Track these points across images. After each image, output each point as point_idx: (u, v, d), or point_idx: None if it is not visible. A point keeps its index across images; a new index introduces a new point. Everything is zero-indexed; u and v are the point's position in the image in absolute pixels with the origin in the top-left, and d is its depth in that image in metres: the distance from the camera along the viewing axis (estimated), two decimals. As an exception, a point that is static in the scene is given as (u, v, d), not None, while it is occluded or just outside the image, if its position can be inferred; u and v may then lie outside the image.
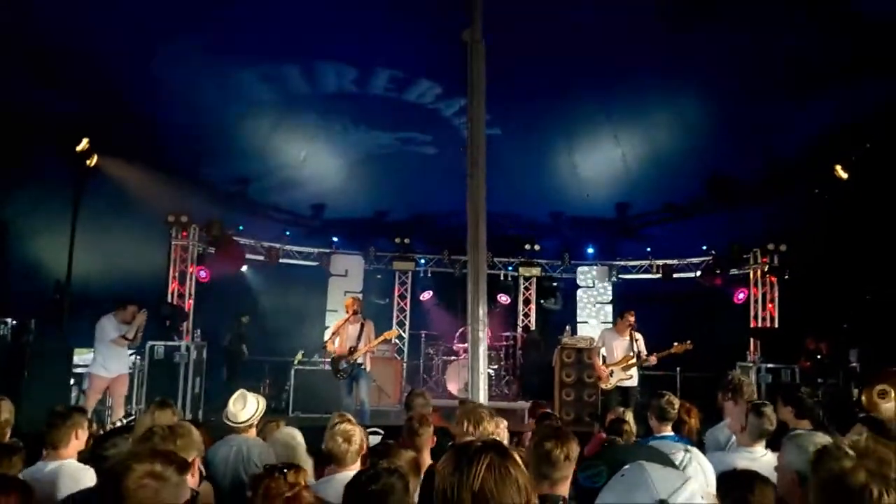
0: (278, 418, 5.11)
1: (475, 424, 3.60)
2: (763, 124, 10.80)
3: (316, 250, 13.81)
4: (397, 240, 13.96)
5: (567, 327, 12.37)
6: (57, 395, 7.57)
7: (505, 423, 4.97)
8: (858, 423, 3.27)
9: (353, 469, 3.43)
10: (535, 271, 14.41)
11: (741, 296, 12.40)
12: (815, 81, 9.60)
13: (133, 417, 5.13)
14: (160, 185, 10.86)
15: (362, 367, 8.64)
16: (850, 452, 1.64)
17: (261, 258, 13.15)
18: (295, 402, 10.72)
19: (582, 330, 13.50)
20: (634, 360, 8.52)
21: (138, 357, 9.66)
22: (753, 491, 2.31)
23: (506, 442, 4.73)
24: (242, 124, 11.23)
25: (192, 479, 2.53)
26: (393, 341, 12.58)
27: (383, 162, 12.61)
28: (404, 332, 14.28)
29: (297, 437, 4.22)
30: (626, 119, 11.47)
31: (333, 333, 8.97)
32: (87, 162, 9.41)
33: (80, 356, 8.85)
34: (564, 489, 2.46)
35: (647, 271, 14.07)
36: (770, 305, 11.90)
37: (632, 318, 8.65)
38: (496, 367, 13.09)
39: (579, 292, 14.39)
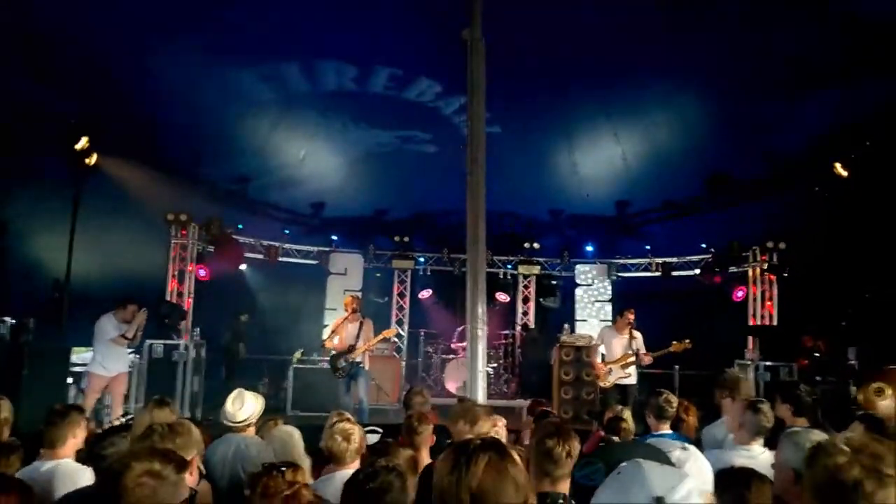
0: (277, 417, 5.11)
1: (471, 423, 3.61)
2: (762, 123, 10.81)
3: (315, 249, 13.81)
4: (397, 238, 13.95)
5: (566, 325, 12.40)
6: (55, 395, 7.56)
7: (503, 421, 4.97)
8: (856, 421, 3.27)
9: (352, 467, 3.43)
10: (535, 269, 14.41)
11: (740, 294, 12.41)
12: (815, 80, 9.61)
13: (131, 416, 5.13)
14: (160, 183, 10.86)
15: (361, 365, 8.65)
16: (845, 448, 1.65)
17: (260, 257, 13.15)
18: (294, 401, 10.73)
19: (581, 328, 13.51)
20: (633, 359, 8.53)
21: (137, 355, 9.66)
22: (750, 488, 2.31)
23: (504, 440, 4.74)
24: (242, 123, 11.23)
25: (190, 478, 2.54)
26: (392, 340, 12.59)
27: (383, 160, 12.62)
28: (403, 330, 14.28)
29: (296, 435, 4.22)
30: (625, 117, 11.47)
31: (332, 332, 8.97)
32: (87, 161, 9.40)
33: (79, 355, 8.85)
34: (565, 487, 2.47)
35: (646, 269, 14.08)
36: (769, 303, 11.90)
37: (631, 317, 8.65)
38: (495, 365, 13.10)
39: (578, 290, 14.39)
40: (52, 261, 9.51)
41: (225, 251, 11.89)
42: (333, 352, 8.77)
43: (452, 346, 13.24)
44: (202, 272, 11.53)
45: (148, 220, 11.14)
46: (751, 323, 12.04)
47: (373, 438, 4.22)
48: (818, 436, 2.44)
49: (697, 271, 13.07)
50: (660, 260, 13.82)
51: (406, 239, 13.98)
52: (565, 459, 2.47)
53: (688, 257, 13.53)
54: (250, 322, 13.03)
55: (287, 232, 13.90)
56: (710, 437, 4.39)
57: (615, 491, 1.49)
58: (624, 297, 13.38)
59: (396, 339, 13.68)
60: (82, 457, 3.60)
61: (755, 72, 9.76)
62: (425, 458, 3.89)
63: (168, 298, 10.88)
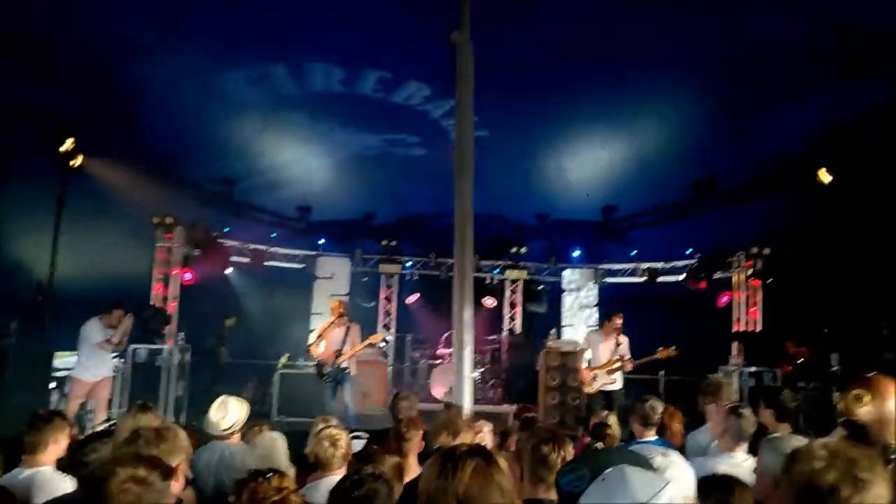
0: (262, 422, 5.07)
1: (453, 435, 3.61)
2: (748, 129, 10.92)
3: (302, 252, 13.76)
4: (384, 242, 13.94)
5: (552, 331, 12.42)
6: (38, 399, 7.48)
7: (489, 426, 4.97)
8: (839, 427, 3.30)
9: (338, 473, 3.42)
10: (522, 274, 14.45)
11: (724, 299, 12.50)
12: (800, 85, 9.73)
13: (114, 422, 5.08)
14: (145, 186, 10.78)
15: (347, 370, 8.61)
16: (821, 453, 1.66)
17: (246, 260, 13.06)
18: (279, 406, 10.65)
19: (567, 333, 13.55)
20: (618, 364, 8.55)
21: (121, 360, 9.56)
22: (733, 494, 2.34)
23: (490, 445, 4.74)
24: (229, 125, 11.18)
25: (176, 485, 2.51)
26: (378, 345, 12.55)
27: (370, 163, 12.62)
28: (390, 335, 14.25)
29: (280, 443, 4.20)
30: (612, 122, 11.54)
31: (319, 337, 8.92)
32: (72, 162, 9.31)
33: (62, 359, 8.75)
34: None
35: (632, 274, 14.14)
36: (753, 309, 11.98)
37: (619, 322, 8.63)
38: (481, 370, 13.10)
39: (565, 296, 14.43)
40: (35, 263, 9.41)
41: (211, 255, 11.81)
42: (318, 360, 8.73)
43: (438, 352, 13.24)
44: (187, 276, 11.43)
45: (133, 223, 11.04)
46: (735, 328, 12.12)
47: (358, 444, 4.20)
48: (799, 441, 2.46)
49: (683, 277, 13.15)
50: (646, 265, 13.89)
51: (393, 243, 13.97)
52: (560, 465, 2.48)
53: (673, 262, 13.61)
54: (236, 326, 12.95)
55: (274, 235, 13.83)
56: (694, 443, 4.41)
57: (600, 497, 1.50)
58: (610, 303, 13.44)
59: (383, 344, 13.64)
60: (64, 463, 3.55)
61: (741, 77, 9.87)
62: (413, 465, 3.86)
63: (152, 302, 10.78)
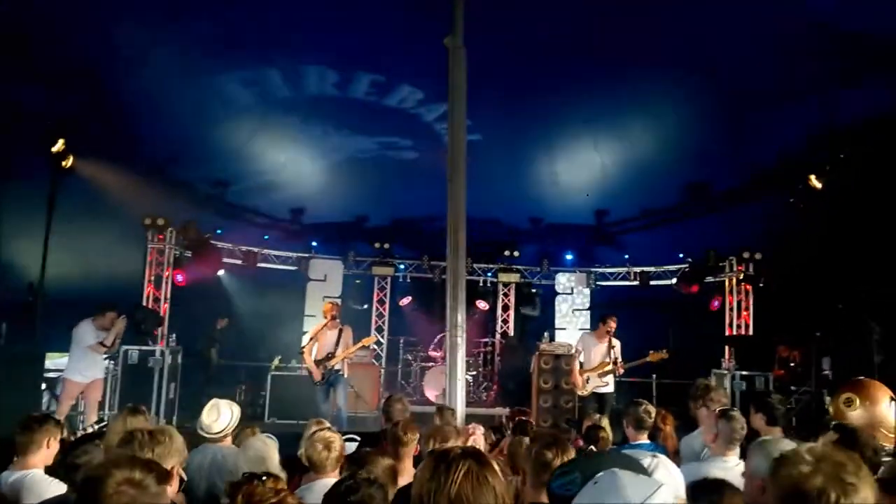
0: (254, 425, 5.06)
1: (441, 443, 3.62)
2: (741, 132, 10.98)
3: (295, 255, 13.72)
4: (377, 245, 13.92)
5: (545, 334, 12.44)
6: (28, 401, 7.44)
7: (481, 429, 4.99)
8: (831, 431, 3.33)
9: (331, 476, 3.42)
10: (515, 277, 14.47)
11: (716, 303, 12.56)
12: (795, 90, 9.78)
13: (105, 423, 5.06)
14: (137, 187, 10.73)
15: (340, 373, 8.60)
16: (808, 458, 1.68)
17: (239, 262, 13.02)
18: (271, 409, 10.64)
19: (560, 336, 13.56)
20: (610, 367, 8.57)
21: (112, 362, 9.52)
22: (723, 498, 2.35)
23: (483, 447, 4.75)
24: (222, 126, 11.15)
25: (170, 488, 2.50)
26: (371, 347, 12.54)
27: (364, 166, 12.60)
28: (383, 337, 14.23)
29: (272, 444, 4.19)
30: (605, 127, 11.58)
31: (311, 339, 8.91)
32: (63, 163, 9.27)
33: (53, 361, 8.70)
34: None
35: (624, 278, 14.18)
36: (745, 313, 12.04)
37: (613, 325, 8.63)
38: (474, 373, 13.12)
39: (558, 299, 14.46)
40: (26, 264, 9.36)
41: (203, 256, 11.77)
42: (309, 368, 8.70)
43: (431, 353, 13.24)
44: (179, 277, 11.40)
45: (125, 224, 11.00)
46: (727, 332, 12.18)
47: (351, 446, 4.20)
48: (787, 445, 2.48)
49: (675, 280, 13.20)
50: (638, 269, 13.93)
51: (386, 246, 13.95)
52: None
53: (665, 266, 13.66)
54: (228, 327, 12.91)
55: (266, 237, 13.80)
56: (688, 448, 4.43)
57: (592, 500, 1.51)
58: (603, 306, 13.47)
59: (376, 347, 13.63)
60: (55, 464, 3.53)
61: (734, 82, 9.92)
62: (409, 469, 3.85)
63: (144, 304, 10.74)
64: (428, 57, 7.80)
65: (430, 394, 12.21)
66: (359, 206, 14.07)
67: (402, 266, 14.34)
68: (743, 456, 3.56)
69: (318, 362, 8.55)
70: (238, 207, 13.56)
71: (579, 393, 8.88)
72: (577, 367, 8.91)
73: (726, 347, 11.92)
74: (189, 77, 9.89)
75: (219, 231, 12.62)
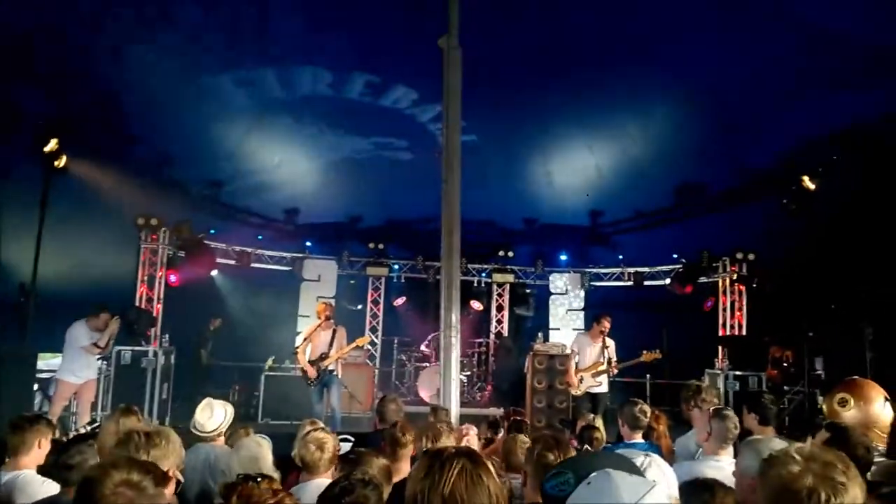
0: (248, 425, 5.05)
1: (433, 440, 3.62)
2: (733, 135, 11.02)
3: (289, 255, 13.69)
4: (371, 245, 13.91)
5: (539, 334, 12.45)
6: (21, 401, 7.40)
7: (475, 430, 4.98)
8: (823, 430, 3.34)
9: (325, 477, 3.41)
10: (509, 278, 14.48)
11: (709, 304, 12.60)
12: (786, 94, 9.83)
13: (98, 424, 5.04)
14: (130, 187, 10.70)
15: (334, 373, 8.59)
16: (796, 458, 1.68)
17: (232, 262, 12.99)
18: (265, 409, 10.61)
19: (554, 337, 13.58)
20: (604, 367, 8.59)
21: (104, 362, 9.49)
22: (715, 496, 2.36)
23: (476, 446, 4.75)
24: (216, 126, 11.13)
25: (167, 490, 2.49)
26: (365, 347, 12.53)
27: (358, 167, 12.60)
28: (377, 338, 14.22)
29: (266, 445, 4.18)
30: (600, 128, 11.61)
31: (305, 339, 8.90)
32: (56, 163, 9.22)
33: (45, 361, 8.66)
34: None
35: (618, 279, 14.21)
36: (738, 314, 12.09)
37: (607, 324, 8.64)
38: (468, 373, 13.13)
39: (552, 299, 14.47)
40: (18, 264, 9.31)
41: (196, 256, 11.73)
42: (303, 368, 8.69)
43: (423, 348, 13.27)
44: (172, 278, 11.36)
45: (117, 224, 10.96)
46: (720, 333, 12.22)
47: (345, 447, 4.20)
48: (777, 444, 2.49)
49: (668, 281, 13.24)
50: (632, 270, 13.95)
51: (380, 246, 13.95)
52: None
53: (659, 267, 13.70)
54: (221, 328, 12.87)
55: (260, 237, 13.77)
56: (683, 448, 4.45)
57: (585, 501, 1.51)
58: (597, 307, 13.49)
59: (370, 347, 13.62)
60: (48, 465, 3.51)
61: (727, 85, 9.96)
62: (406, 470, 3.83)
63: (137, 304, 10.71)
64: (423, 57, 7.81)
65: (425, 394, 12.21)
66: (353, 207, 14.07)
67: (396, 266, 14.34)
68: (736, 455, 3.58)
69: (311, 363, 8.54)
70: (232, 207, 13.53)
71: (573, 392, 8.89)
72: (572, 366, 8.91)
73: (720, 348, 11.96)
74: (183, 77, 9.86)
75: (212, 231, 12.59)
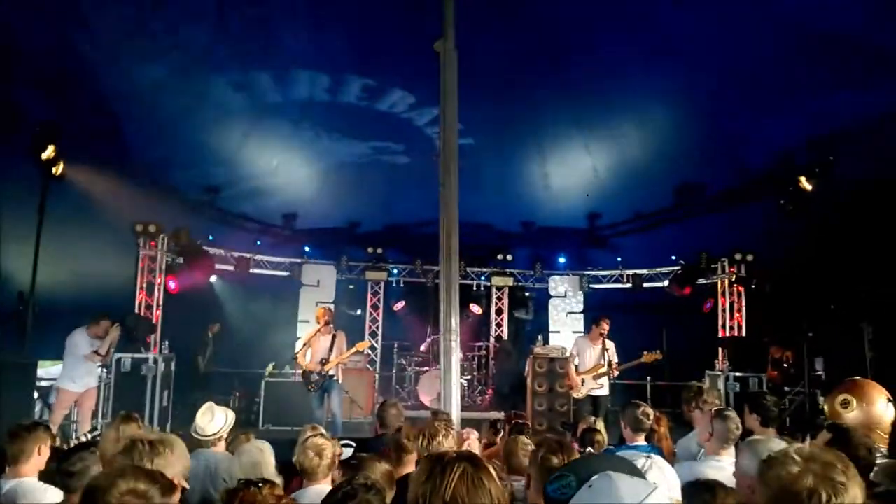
0: (248, 431, 5.05)
1: (429, 439, 3.61)
2: (731, 136, 11.04)
3: (287, 260, 13.68)
4: (370, 250, 13.91)
5: (539, 337, 12.44)
6: (21, 410, 7.38)
7: (475, 434, 4.98)
8: (824, 430, 3.34)
9: (323, 483, 3.40)
10: (508, 281, 14.48)
11: (708, 305, 12.59)
12: (783, 94, 9.85)
13: (98, 432, 5.03)
14: (128, 193, 10.69)
15: (334, 378, 8.58)
16: (796, 459, 1.68)
17: (231, 268, 12.98)
18: (265, 415, 10.59)
19: (554, 340, 13.57)
20: (604, 369, 8.58)
21: (105, 370, 9.47)
22: (716, 497, 2.36)
23: (477, 449, 4.75)
24: (213, 131, 11.12)
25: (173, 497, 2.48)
26: (365, 352, 12.52)
27: (356, 171, 12.60)
28: (377, 342, 14.21)
29: (267, 450, 4.17)
30: (597, 130, 11.62)
31: (305, 345, 8.88)
32: (54, 170, 9.20)
33: (45, 369, 8.64)
34: None
35: (617, 281, 14.21)
36: (738, 315, 12.09)
37: (606, 327, 8.67)
38: (469, 377, 13.10)
39: (551, 302, 14.47)
40: (16, 272, 9.29)
41: (195, 263, 11.72)
42: (304, 370, 8.68)
43: (422, 349, 13.26)
44: (171, 284, 11.34)
45: (116, 231, 10.94)
46: (720, 334, 12.21)
47: (347, 452, 4.19)
48: (776, 444, 2.49)
49: (667, 283, 13.24)
50: (630, 272, 13.95)
51: (379, 250, 13.95)
52: None
53: (658, 269, 13.69)
54: (220, 335, 12.85)
55: (259, 243, 13.76)
56: (684, 449, 4.45)
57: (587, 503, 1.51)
58: (596, 309, 13.48)
59: (370, 352, 13.60)
60: (50, 472, 3.51)
61: (724, 85, 9.98)
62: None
63: (136, 311, 10.69)
64: (419, 60, 7.80)
65: (425, 398, 12.19)
66: (351, 211, 14.07)
67: (395, 271, 14.33)
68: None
69: (311, 369, 8.53)
70: (230, 213, 13.52)
71: (574, 395, 8.89)
72: (572, 369, 8.91)
73: (719, 349, 11.96)
74: (180, 82, 9.87)
75: (211, 237, 12.58)
